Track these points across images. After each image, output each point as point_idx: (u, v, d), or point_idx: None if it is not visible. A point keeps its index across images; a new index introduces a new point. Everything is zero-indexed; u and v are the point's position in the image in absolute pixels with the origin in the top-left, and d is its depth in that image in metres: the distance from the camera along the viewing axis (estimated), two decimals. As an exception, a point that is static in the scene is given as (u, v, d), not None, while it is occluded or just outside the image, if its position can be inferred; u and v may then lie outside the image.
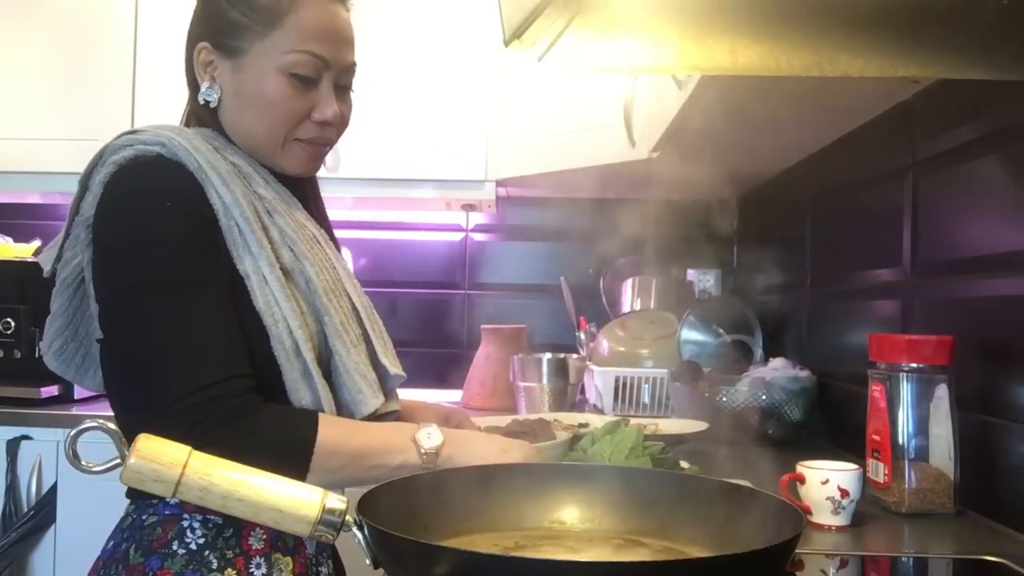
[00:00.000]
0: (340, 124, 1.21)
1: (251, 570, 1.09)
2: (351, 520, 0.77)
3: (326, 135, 1.20)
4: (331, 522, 0.76)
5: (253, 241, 1.09)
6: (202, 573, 1.07)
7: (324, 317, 1.13)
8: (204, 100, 1.18)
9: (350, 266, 1.32)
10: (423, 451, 1.09)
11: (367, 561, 0.78)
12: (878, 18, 1.05)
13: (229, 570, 1.08)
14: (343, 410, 1.14)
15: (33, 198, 2.88)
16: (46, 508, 2.22)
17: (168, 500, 1.07)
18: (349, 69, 1.21)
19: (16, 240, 2.67)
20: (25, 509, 2.22)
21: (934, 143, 1.51)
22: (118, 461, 0.75)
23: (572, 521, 0.96)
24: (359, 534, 0.77)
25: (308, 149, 1.19)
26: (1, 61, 2.63)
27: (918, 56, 1.09)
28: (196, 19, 1.21)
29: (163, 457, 0.75)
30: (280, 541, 1.11)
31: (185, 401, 1.00)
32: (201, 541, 1.08)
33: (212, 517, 1.09)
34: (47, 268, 1.17)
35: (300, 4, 1.14)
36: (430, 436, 1.11)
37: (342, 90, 1.21)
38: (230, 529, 1.09)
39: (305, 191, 1.27)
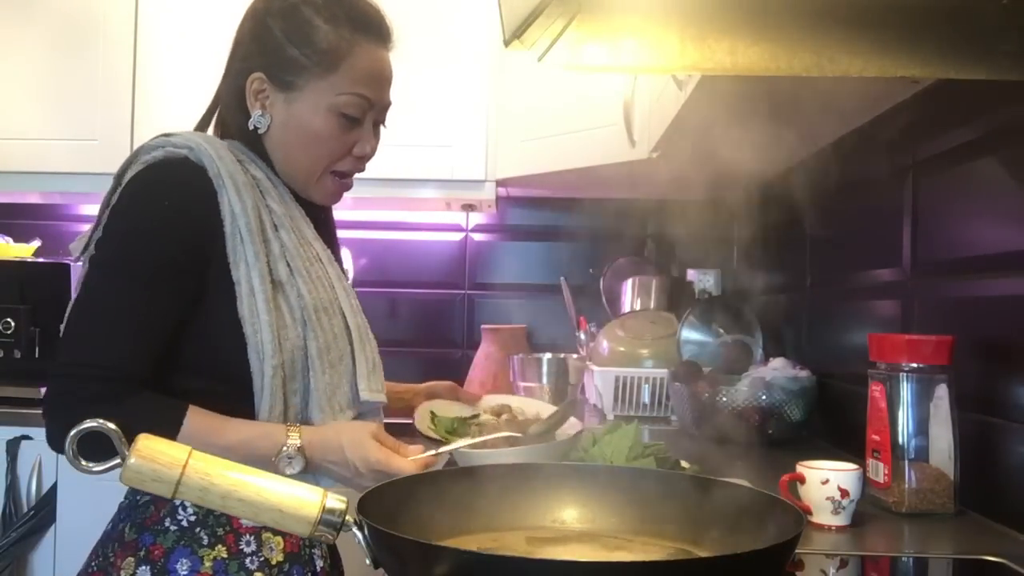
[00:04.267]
0: (372, 157, 1.29)
1: (240, 547, 1.15)
2: (351, 520, 0.77)
3: (359, 168, 1.29)
4: (331, 522, 0.76)
5: (251, 252, 1.14)
6: (192, 549, 1.13)
7: (309, 333, 1.18)
8: (254, 127, 1.23)
9: (351, 271, 1.34)
10: (284, 474, 1.06)
11: (367, 561, 0.78)
12: (878, 18, 1.05)
13: (219, 547, 1.14)
14: (307, 423, 1.18)
15: (33, 198, 2.88)
16: (46, 508, 2.22)
17: None
18: (387, 107, 1.29)
19: (16, 240, 2.67)
20: (25, 509, 2.23)
21: (934, 143, 1.51)
22: (118, 461, 0.75)
23: (572, 521, 0.96)
24: (359, 534, 0.77)
25: (339, 182, 1.28)
26: (1, 61, 2.63)
27: (918, 56, 1.09)
28: (252, 47, 1.24)
29: (163, 457, 0.75)
30: None
31: (69, 367, 1.07)
32: (192, 519, 1.14)
33: None
34: (76, 255, 1.22)
35: (356, 50, 1.21)
36: (291, 463, 1.11)
37: (377, 126, 1.29)
38: None
39: (319, 212, 1.32)
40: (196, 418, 1.10)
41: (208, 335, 1.15)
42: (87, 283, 1.13)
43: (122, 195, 1.15)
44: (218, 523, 1.15)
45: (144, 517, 1.15)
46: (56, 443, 1.08)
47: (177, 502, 1.13)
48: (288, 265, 1.18)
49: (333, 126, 1.22)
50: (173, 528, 1.14)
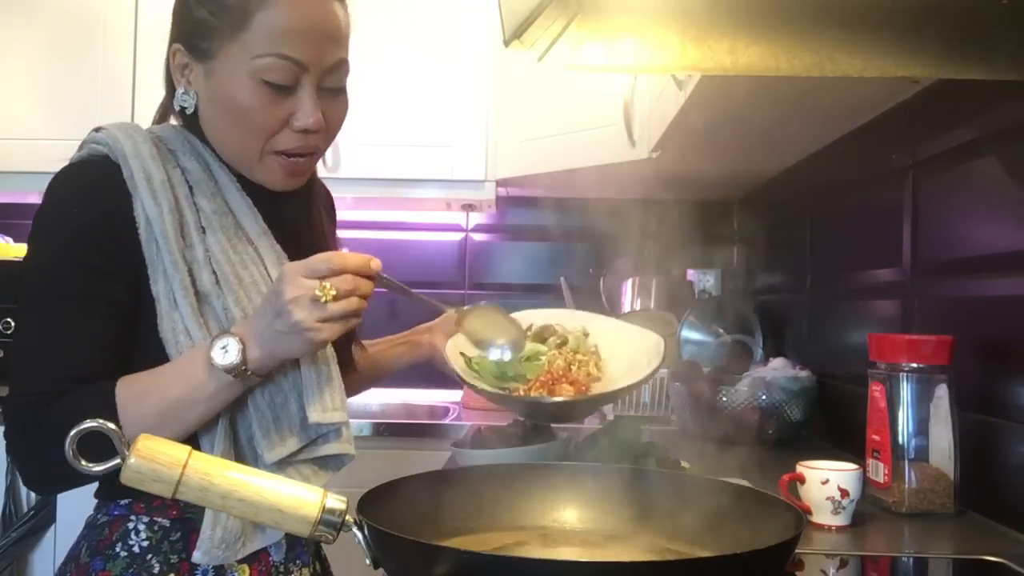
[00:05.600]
0: (327, 131, 1.08)
1: None
2: (351, 520, 0.77)
3: (309, 144, 1.07)
4: (331, 522, 0.76)
5: (168, 262, 1.02)
6: None
7: None
8: (180, 106, 1.10)
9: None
10: (225, 370, 0.97)
11: (367, 561, 0.78)
12: (878, 18, 1.05)
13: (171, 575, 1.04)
14: (247, 450, 1.04)
15: (33, 198, 2.88)
16: (46, 508, 2.22)
17: (120, 500, 1.06)
18: (335, 68, 1.07)
19: (16, 240, 2.67)
20: (25, 509, 2.23)
21: (934, 143, 1.50)
22: (118, 461, 0.75)
23: (572, 521, 0.96)
24: (359, 534, 0.77)
25: (287, 162, 1.07)
26: (1, 61, 2.63)
27: (918, 56, 1.09)
28: (172, 19, 1.12)
29: (163, 457, 0.75)
30: None
31: (11, 401, 1.00)
32: (144, 544, 1.04)
33: (159, 520, 1.05)
34: None
35: (271, 1, 1.02)
36: (226, 351, 0.97)
37: (330, 92, 1.08)
38: (177, 533, 1.05)
39: (278, 202, 1.14)
40: (126, 393, 0.98)
41: (138, 359, 1.02)
42: (17, 314, 1.04)
43: (43, 197, 1.06)
44: (172, 550, 1.04)
45: (99, 539, 1.06)
46: (21, 475, 1.03)
47: (131, 525, 1.05)
48: (214, 273, 1.04)
49: (258, 97, 1.03)
50: (123, 554, 1.04)
